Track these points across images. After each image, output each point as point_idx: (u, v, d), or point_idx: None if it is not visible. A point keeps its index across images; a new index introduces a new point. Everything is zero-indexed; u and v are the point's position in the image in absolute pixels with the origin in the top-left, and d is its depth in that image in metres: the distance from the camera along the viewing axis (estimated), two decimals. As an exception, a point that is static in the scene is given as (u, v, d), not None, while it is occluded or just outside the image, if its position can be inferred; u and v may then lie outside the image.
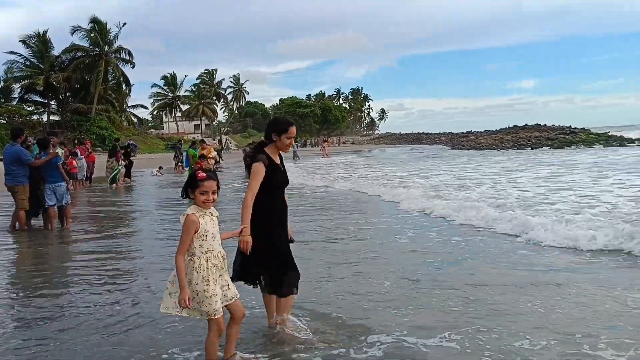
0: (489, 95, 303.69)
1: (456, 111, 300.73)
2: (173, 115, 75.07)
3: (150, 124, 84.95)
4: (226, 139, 58.08)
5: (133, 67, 53.05)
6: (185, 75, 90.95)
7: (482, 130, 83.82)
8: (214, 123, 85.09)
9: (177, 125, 74.35)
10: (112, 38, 50.91)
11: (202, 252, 3.29)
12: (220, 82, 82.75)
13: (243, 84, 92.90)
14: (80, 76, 50.12)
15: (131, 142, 28.49)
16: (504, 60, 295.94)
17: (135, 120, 64.22)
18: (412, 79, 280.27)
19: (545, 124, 62.86)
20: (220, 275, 3.39)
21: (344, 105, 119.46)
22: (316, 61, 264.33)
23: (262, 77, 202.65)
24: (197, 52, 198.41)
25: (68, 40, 53.02)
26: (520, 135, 57.57)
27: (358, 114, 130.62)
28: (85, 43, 50.11)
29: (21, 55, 48.78)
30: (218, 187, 3.36)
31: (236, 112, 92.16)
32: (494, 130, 74.98)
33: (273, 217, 3.97)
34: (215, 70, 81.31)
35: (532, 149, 47.95)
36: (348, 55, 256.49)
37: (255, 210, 3.82)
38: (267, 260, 3.90)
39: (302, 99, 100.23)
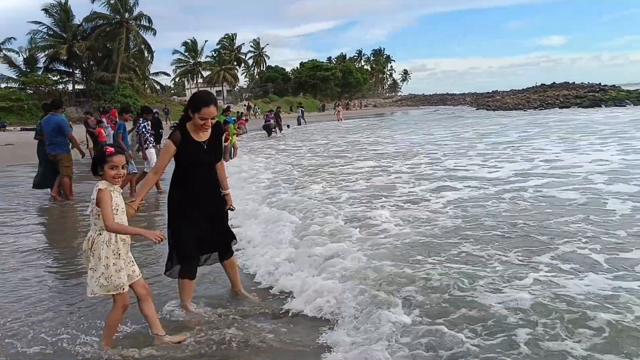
0: (513, 53, 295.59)
1: (480, 71, 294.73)
2: (195, 81, 75.11)
3: (172, 91, 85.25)
4: (254, 105, 57.89)
5: (155, 35, 53.02)
6: (206, 41, 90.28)
7: (508, 90, 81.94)
8: (235, 89, 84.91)
9: (199, 92, 74.40)
10: (131, 4, 50.75)
11: None
12: (240, 46, 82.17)
13: (263, 48, 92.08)
14: (102, 44, 50.29)
15: (156, 111, 28.67)
16: (528, 16, 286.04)
17: (158, 87, 64.48)
18: (435, 39, 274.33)
19: (573, 82, 61.15)
20: (127, 252, 3.46)
21: (365, 67, 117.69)
22: (337, 23, 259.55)
23: (282, 41, 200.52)
24: (215, 16, 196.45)
25: (89, 8, 53.12)
26: (548, 95, 56.16)
27: (380, 75, 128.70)
28: (105, 10, 50.10)
29: (44, 24, 49.14)
30: (127, 162, 3.47)
31: (257, 77, 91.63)
32: (520, 89, 73.19)
33: (183, 196, 3.86)
34: (235, 35, 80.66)
35: (560, 108, 46.69)
36: (369, 15, 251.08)
37: (171, 189, 3.92)
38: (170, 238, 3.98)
39: (323, 62, 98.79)
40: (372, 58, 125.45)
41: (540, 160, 11.71)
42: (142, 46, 53.78)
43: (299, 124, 39.75)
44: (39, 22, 48.83)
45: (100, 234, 3.33)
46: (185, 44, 71.27)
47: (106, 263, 3.31)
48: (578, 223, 5.96)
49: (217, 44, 79.04)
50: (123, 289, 3.39)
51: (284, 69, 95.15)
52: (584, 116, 29.79)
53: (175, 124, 3.93)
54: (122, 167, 3.36)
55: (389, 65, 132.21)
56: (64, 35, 49.32)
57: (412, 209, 7.25)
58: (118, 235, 3.36)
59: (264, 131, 28.81)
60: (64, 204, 9.37)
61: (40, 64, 51.70)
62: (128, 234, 3.41)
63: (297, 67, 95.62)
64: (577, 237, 5.41)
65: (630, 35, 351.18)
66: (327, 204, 7.85)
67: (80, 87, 53.30)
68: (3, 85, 50.49)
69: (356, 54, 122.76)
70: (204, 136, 3.82)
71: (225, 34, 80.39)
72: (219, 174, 4.07)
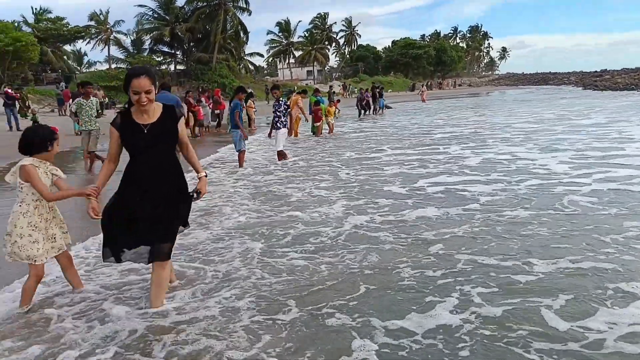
0: (625, 28, 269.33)
1: (587, 48, 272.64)
2: (287, 61, 76.31)
3: (265, 72, 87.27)
4: (350, 85, 57.70)
5: (250, 15, 54.36)
6: (299, 21, 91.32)
7: (620, 69, 75.20)
8: (325, 68, 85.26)
9: (291, 72, 75.61)
10: (230, -14, 52.25)
11: (33, 200, 3.56)
12: (331, 26, 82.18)
13: (355, 27, 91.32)
14: (202, 26, 52.43)
15: (251, 91, 29.66)
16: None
17: (252, 68, 66.31)
18: (537, 14, 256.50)
19: (699, 59, 54.73)
20: (46, 227, 3.64)
21: (460, 44, 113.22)
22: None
23: (373, 19, 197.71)
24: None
25: (189, -10, 55.27)
26: (667, 73, 50.87)
27: (476, 53, 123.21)
28: (205, -8, 52.00)
29: (149, 7, 52.14)
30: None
31: (347, 56, 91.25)
32: (634, 68, 66.88)
33: (124, 176, 3.62)
34: (327, 14, 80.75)
35: (681, 88, 42.18)
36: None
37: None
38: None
39: (416, 40, 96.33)
40: (468, 35, 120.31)
41: (599, 151, 10.77)
42: (238, 27, 55.35)
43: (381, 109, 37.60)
44: (145, 6, 51.96)
45: (20, 205, 3.58)
46: (279, 24, 72.49)
47: (20, 233, 3.53)
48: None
49: (310, 24, 79.73)
50: (35, 260, 3.58)
51: (375, 48, 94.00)
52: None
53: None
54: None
55: (486, 42, 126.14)
56: (167, 17, 52.02)
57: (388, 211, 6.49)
58: (37, 209, 3.58)
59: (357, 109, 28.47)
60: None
61: (146, 46, 55.17)
62: (66, 197, 3.70)
63: (388, 46, 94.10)
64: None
65: None
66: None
67: (181, 67, 56.12)
68: (113, 66, 54.50)
69: (451, 31, 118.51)
70: (147, 118, 3.52)
71: (318, 14, 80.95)
72: (187, 158, 3.80)
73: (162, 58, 55.75)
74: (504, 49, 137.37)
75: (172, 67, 55.75)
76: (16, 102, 19.87)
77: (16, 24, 45.34)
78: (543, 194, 7.03)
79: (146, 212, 3.49)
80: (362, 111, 27.99)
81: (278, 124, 11.37)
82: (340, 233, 5.57)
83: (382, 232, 5.54)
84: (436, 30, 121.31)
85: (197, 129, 19.02)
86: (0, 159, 11.34)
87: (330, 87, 38.41)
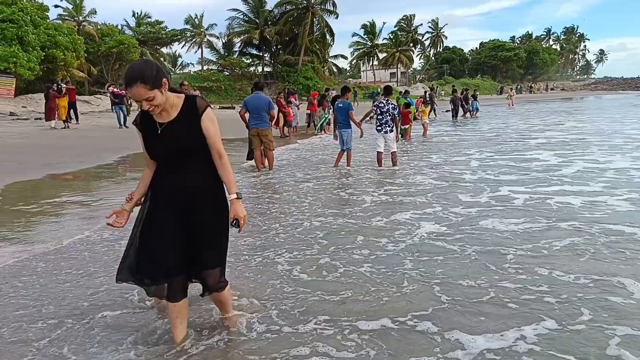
0: None
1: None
2: (370, 63, 76.37)
3: (348, 74, 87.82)
4: (437, 86, 56.94)
5: (337, 17, 55.03)
6: (384, 23, 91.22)
7: None
8: (409, 71, 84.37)
9: (374, 74, 75.55)
10: (318, -11, 53.20)
11: None
12: (416, 27, 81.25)
13: (442, 28, 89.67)
14: (289, 29, 53.77)
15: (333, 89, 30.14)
16: None
17: (335, 70, 67.04)
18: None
19: None
20: None
21: (554, 47, 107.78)
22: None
23: (460, 20, 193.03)
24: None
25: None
26: None
27: (571, 56, 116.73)
28: (294, -4, 53.33)
29: (240, 11, 54.29)
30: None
31: (432, 58, 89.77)
32: None
33: (152, 190, 3.14)
34: (413, 16, 80.00)
35: None
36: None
37: None
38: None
39: (505, 42, 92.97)
40: (562, 37, 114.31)
41: None
42: (325, 30, 56.17)
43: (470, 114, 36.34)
44: (237, 10, 54.17)
45: None
46: (364, 26, 72.74)
47: None
48: None
49: (395, 26, 79.42)
50: None
51: (462, 50, 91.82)
52: None
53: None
54: None
55: (582, 44, 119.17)
56: (257, 21, 53.87)
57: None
58: None
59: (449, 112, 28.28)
60: (267, 173, 10.40)
61: (236, 48, 57.48)
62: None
63: (475, 48, 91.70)
64: None
65: None
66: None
67: (268, 69, 57.89)
68: (205, 67, 57.28)
69: (544, 33, 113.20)
70: (166, 116, 2.96)
71: (404, 15, 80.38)
72: (219, 171, 3.04)
73: (250, 60, 57.79)
74: (601, 52, 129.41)
75: (259, 68, 57.65)
76: (123, 99, 21.30)
77: (119, 27, 49.04)
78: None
79: (164, 217, 3.02)
80: (455, 114, 27.64)
81: (385, 127, 10.58)
82: (407, 242, 5.32)
83: (453, 243, 5.19)
84: (527, 31, 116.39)
85: (286, 129, 19.63)
86: (112, 151, 12.33)
87: (431, 88, 37.88)
